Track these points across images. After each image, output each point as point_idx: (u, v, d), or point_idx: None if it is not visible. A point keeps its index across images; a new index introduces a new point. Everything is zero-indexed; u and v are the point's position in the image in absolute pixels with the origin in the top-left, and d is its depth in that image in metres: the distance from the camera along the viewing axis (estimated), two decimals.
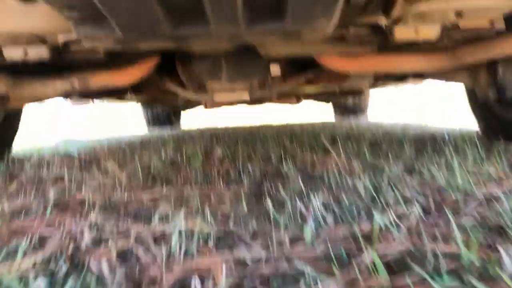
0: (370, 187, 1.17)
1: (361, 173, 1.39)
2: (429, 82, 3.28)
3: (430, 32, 1.53)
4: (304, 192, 1.16)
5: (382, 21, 1.43)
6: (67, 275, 0.67)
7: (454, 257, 0.68)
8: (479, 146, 1.87)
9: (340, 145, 1.84)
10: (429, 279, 0.60)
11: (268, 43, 1.81)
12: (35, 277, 0.64)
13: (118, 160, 1.96)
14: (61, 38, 1.45)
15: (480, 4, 1.34)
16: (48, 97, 2.48)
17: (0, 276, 0.64)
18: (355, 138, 2.45)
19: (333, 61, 2.02)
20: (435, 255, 0.68)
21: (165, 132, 4.80)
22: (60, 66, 1.93)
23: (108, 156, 1.99)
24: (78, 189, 1.33)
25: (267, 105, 5.78)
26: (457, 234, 0.74)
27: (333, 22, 1.16)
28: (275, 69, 2.13)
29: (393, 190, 1.12)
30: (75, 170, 1.73)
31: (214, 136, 3.09)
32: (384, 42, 1.72)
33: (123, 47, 1.51)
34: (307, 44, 1.82)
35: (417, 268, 0.63)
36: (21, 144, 3.33)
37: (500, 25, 1.59)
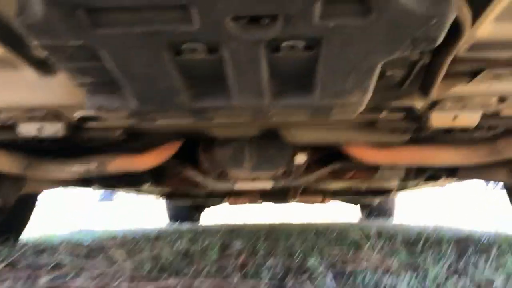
0: (414, 287, 0.98)
1: (401, 271, 1.19)
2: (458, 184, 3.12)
3: (469, 119, 1.41)
4: None
5: (418, 104, 1.33)
6: None
7: None
8: None
9: (371, 242, 1.65)
10: None
11: (293, 128, 1.72)
12: None
13: (128, 249, 1.80)
14: (77, 114, 1.39)
15: None
16: (64, 181, 2.41)
17: None
18: (387, 236, 2.24)
19: (362, 152, 1.91)
20: None
21: (184, 225, 4.64)
22: (77, 147, 1.87)
23: (118, 245, 1.84)
24: (76, 276, 1.17)
25: (290, 205, 5.63)
26: None
27: (367, 97, 1.06)
28: (300, 158, 2.02)
29: None
30: (79, 257, 1.58)
31: (233, 231, 2.92)
32: (418, 130, 1.61)
33: (139, 123, 1.43)
34: (334, 130, 1.72)
35: None
36: (35, 231, 3.20)
37: None
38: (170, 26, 0.77)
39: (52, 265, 1.41)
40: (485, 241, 2.07)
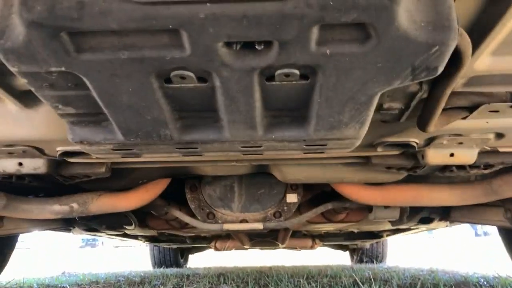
0: None
1: None
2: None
3: (467, 156, 1.37)
4: None
5: (414, 140, 1.29)
6: None
7: None
8: None
9: (366, 287, 1.57)
10: None
11: (285, 166, 1.67)
12: None
13: None
14: (59, 149, 1.32)
15: None
16: (45, 222, 2.31)
17: None
18: (382, 281, 2.15)
19: (355, 191, 1.86)
20: None
21: (169, 270, 4.47)
22: (59, 186, 1.79)
23: None
24: None
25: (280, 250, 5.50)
26: None
27: (363, 131, 1.01)
28: (291, 197, 1.96)
29: None
30: None
31: (221, 275, 2.80)
32: (414, 168, 1.56)
33: (126, 159, 1.37)
34: (327, 168, 1.67)
35: None
36: (15, 273, 3.05)
37: None
38: (159, 52, 0.73)
39: None
40: (484, 284, 2.00)
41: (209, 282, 2.11)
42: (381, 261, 5.87)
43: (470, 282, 2.15)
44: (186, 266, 5.97)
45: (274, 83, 0.82)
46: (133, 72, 0.78)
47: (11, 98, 1.07)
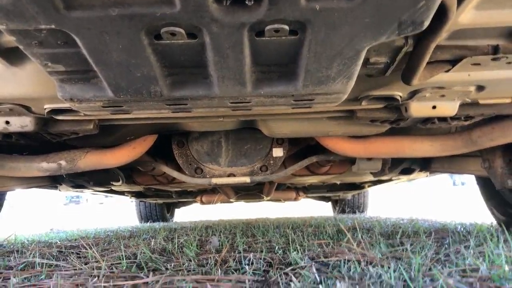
0: (401, 276, 0.97)
1: (383, 262, 1.18)
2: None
3: (448, 108, 1.41)
4: (323, 282, 0.95)
5: (398, 93, 1.32)
6: None
7: None
8: (506, 236, 1.67)
9: (349, 235, 1.64)
10: None
11: (271, 121, 1.69)
12: None
13: (102, 248, 1.74)
14: (47, 107, 1.32)
15: (504, 75, 1.24)
16: (32, 179, 2.31)
17: None
18: (364, 229, 2.25)
19: (339, 144, 1.90)
20: None
21: (156, 224, 4.55)
22: (47, 144, 1.78)
23: (91, 245, 1.76)
24: (48, 277, 1.11)
25: (264, 203, 5.61)
26: None
27: (351, 85, 1.04)
28: (278, 151, 2.00)
29: (432, 280, 0.92)
30: (51, 257, 1.51)
31: (208, 227, 2.87)
32: (397, 121, 1.60)
33: (115, 115, 1.37)
34: (312, 122, 1.69)
35: None
36: (2, 232, 3.08)
37: None
38: (149, 8, 0.73)
39: (22, 265, 1.34)
40: (462, 230, 2.10)
41: (198, 234, 2.17)
42: (362, 211, 6.07)
43: (448, 229, 2.25)
44: (172, 221, 6.07)
45: (263, 38, 0.83)
46: (123, 29, 0.78)
47: None
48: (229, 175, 2.04)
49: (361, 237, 1.82)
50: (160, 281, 0.98)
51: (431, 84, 1.27)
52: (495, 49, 1.09)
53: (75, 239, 2.47)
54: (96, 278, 1.06)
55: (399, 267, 1.08)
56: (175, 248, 1.68)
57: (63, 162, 1.88)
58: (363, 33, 0.82)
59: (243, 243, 1.80)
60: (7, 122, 1.41)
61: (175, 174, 2.10)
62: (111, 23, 0.75)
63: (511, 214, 2.23)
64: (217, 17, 0.75)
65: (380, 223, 2.76)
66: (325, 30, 0.80)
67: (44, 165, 1.88)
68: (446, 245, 1.51)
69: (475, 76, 1.24)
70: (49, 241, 2.42)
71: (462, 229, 2.23)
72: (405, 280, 0.95)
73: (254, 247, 1.65)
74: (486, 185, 2.44)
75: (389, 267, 1.08)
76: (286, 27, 0.79)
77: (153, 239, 2.09)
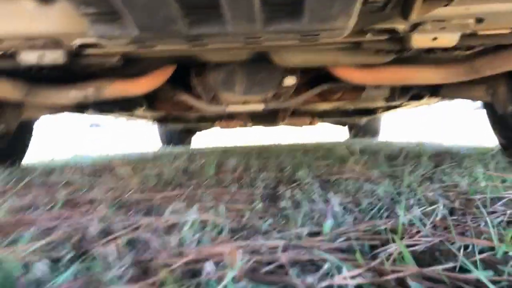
0: (390, 191, 1.13)
1: (380, 179, 1.34)
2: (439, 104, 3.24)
3: (448, 39, 1.49)
4: (322, 195, 1.12)
5: (400, 26, 1.41)
6: (71, 261, 0.63)
7: (486, 250, 0.63)
8: (500, 158, 1.81)
9: (356, 157, 1.79)
10: (461, 271, 0.55)
11: (283, 52, 1.79)
12: (37, 261, 0.61)
13: (131, 167, 1.93)
14: (77, 41, 1.45)
15: (502, 8, 1.31)
16: (62, 106, 2.49)
17: (1, 258, 0.61)
18: (371, 152, 2.40)
19: (348, 72, 2.00)
20: (466, 249, 0.64)
21: (177, 148, 4.79)
22: (75, 75, 1.93)
23: (121, 165, 1.96)
24: (89, 190, 1.30)
25: (280, 128, 5.76)
26: (489, 229, 0.69)
27: (352, 22, 1.13)
28: (289, 80, 2.11)
29: (415, 194, 1.07)
30: (87, 176, 1.71)
31: (226, 151, 3.06)
32: (400, 51, 1.69)
33: (139, 49, 1.50)
34: (322, 52, 1.79)
35: (446, 261, 0.59)
36: (32, 157, 3.32)
37: None
38: None
39: (63, 183, 1.54)
40: (462, 153, 2.24)
41: (216, 157, 2.36)
42: (375, 136, 6.25)
43: (451, 152, 2.39)
44: (190, 147, 6.32)
45: None
46: None
47: None
48: (244, 103, 2.17)
49: (366, 159, 1.98)
50: (185, 193, 1.16)
51: (431, 17, 1.35)
52: None
53: (106, 161, 2.68)
54: (130, 191, 1.25)
55: (392, 184, 1.24)
56: (196, 168, 1.87)
57: (90, 90, 2.03)
58: None
59: (256, 164, 1.98)
60: (41, 56, 1.55)
61: (193, 101, 2.24)
62: None
63: (511, 137, 2.35)
64: None
65: (387, 147, 2.91)
66: None
67: (73, 93, 2.04)
68: (441, 166, 1.65)
69: (474, 9, 1.31)
70: (79, 163, 2.64)
71: (464, 151, 2.37)
72: (393, 194, 1.11)
73: (266, 168, 1.82)
74: (491, 111, 2.54)
75: (383, 184, 1.24)
76: None
77: (176, 160, 2.28)
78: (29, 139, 2.72)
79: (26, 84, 1.93)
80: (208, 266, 0.54)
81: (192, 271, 0.56)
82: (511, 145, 2.34)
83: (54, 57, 1.56)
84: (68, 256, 0.65)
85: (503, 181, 1.22)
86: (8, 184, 1.53)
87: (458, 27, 1.42)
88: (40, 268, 0.58)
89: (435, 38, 1.49)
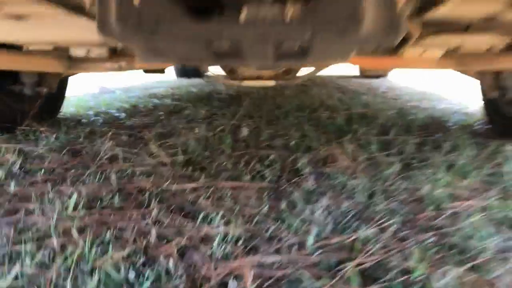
0: (366, 194, 1.48)
1: (363, 173, 1.70)
2: None
3: (436, 53, 1.78)
4: (314, 194, 1.48)
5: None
6: (144, 266, 1.00)
7: (407, 272, 0.99)
8: (475, 145, 2.13)
9: (351, 133, 2.15)
10: None
11: None
12: (126, 268, 0.98)
13: (160, 142, 2.26)
14: (119, 46, 1.74)
15: (478, 40, 1.56)
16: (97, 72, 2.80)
17: (103, 267, 0.98)
18: (370, 118, 2.75)
19: None
20: (395, 268, 1.00)
21: (192, 86, 5.12)
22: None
23: (152, 138, 2.30)
24: (133, 175, 1.68)
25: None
26: (414, 250, 1.05)
27: (349, 58, 1.41)
28: None
29: (385, 199, 1.43)
30: (126, 148, 2.07)
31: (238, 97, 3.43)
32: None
33: None
34: None
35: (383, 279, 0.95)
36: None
37: (500, 47, 1.79)
38: None
39: (107, 156, 1.92)
40: (450, 124, 2.56)
41: (231, 125, 2.69)
42: (383, 77, 6.53)
43: (439, 125, 2.71)
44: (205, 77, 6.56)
45: None
46: None
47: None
48: (257, 78, 2.45)
49: (360, 134, 2.32)
50: (212, 187, 1.54)
51: (419, 42, 1.62)
52: None
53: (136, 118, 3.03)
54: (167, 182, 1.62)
55: (369, 181, 1.59)
56: (214, 139, 2.24)
57: (123, 63, 2.33)
58: None
59: (267, 134, 2.33)
60: (88, 51, 1.87)
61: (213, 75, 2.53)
62: None
63: (497, 119, 2.62)
64: None
65: (384, 111, 3.22)
66: None
67: (108, 65, 2.34)
68: (424, 151, 2.01)
69: (454, 40, 1.59)
70: (113, 115, 3.01)
71: (451, 124, 2.70)
72: (370, 193, 1.48)
73: (274, 143, 2.18)
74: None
75: (362, 182, 1.59)
76: None
77: (196, 128, 2.61)
78: (64, 93, 3.05)
79: (68, 60, 2.22)
80: (232, 285, 0.91)
81: (223, 284, 0.93)
82: (493, 124, 2.63)
83: (100, 53, 1.87)
84: (141, 262, 1.02)
85: (458, 187, 1.56)
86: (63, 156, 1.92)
87: (442, 47, 1.69)
88: (129, 276, 0.95)
89: (424, 51, 1.77)
